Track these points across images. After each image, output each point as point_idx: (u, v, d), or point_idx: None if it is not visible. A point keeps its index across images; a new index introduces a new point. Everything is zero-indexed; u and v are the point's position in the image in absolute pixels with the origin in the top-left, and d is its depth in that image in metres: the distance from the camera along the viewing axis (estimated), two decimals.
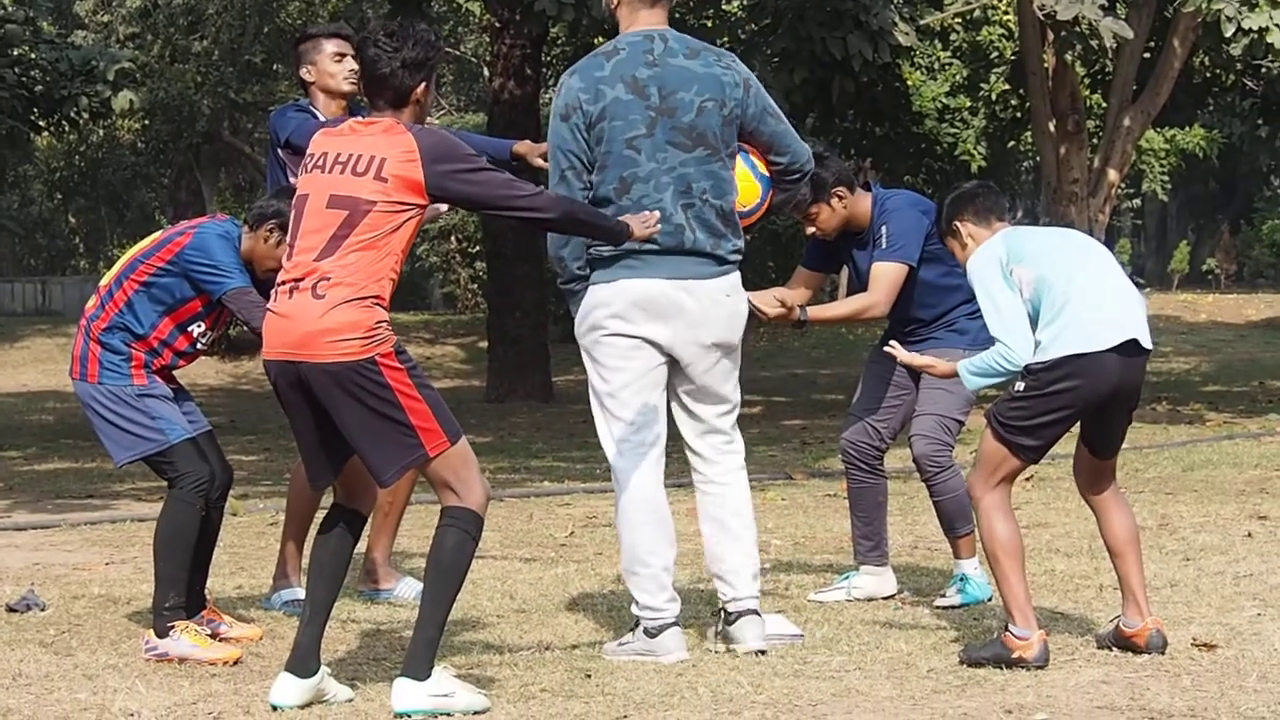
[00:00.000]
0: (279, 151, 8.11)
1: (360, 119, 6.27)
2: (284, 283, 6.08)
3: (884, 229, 7.98)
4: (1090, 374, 6.56)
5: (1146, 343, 6.69)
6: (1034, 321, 6.63)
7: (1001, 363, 6.63)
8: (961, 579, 8.00)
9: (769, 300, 7.73)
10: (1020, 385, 6.63)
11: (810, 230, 8.09)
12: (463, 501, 6.05)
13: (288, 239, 6.19)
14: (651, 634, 6.88)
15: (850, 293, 8.35)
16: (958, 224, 6.97)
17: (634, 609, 6.96)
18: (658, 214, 6.68)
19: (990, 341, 7.31)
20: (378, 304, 5.99)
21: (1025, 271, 6.65)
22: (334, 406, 5.99)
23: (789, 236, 37.87)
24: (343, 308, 5.93)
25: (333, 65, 8.17)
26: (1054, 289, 6.60)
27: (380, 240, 5.99)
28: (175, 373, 7.39)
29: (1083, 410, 6.65)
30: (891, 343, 7.36)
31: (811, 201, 7.97)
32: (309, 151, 6.23)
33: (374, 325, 5.95)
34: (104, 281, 7.35)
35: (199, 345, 7.36)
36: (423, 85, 6.19)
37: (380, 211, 5.99)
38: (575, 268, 7.05)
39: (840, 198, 8.00)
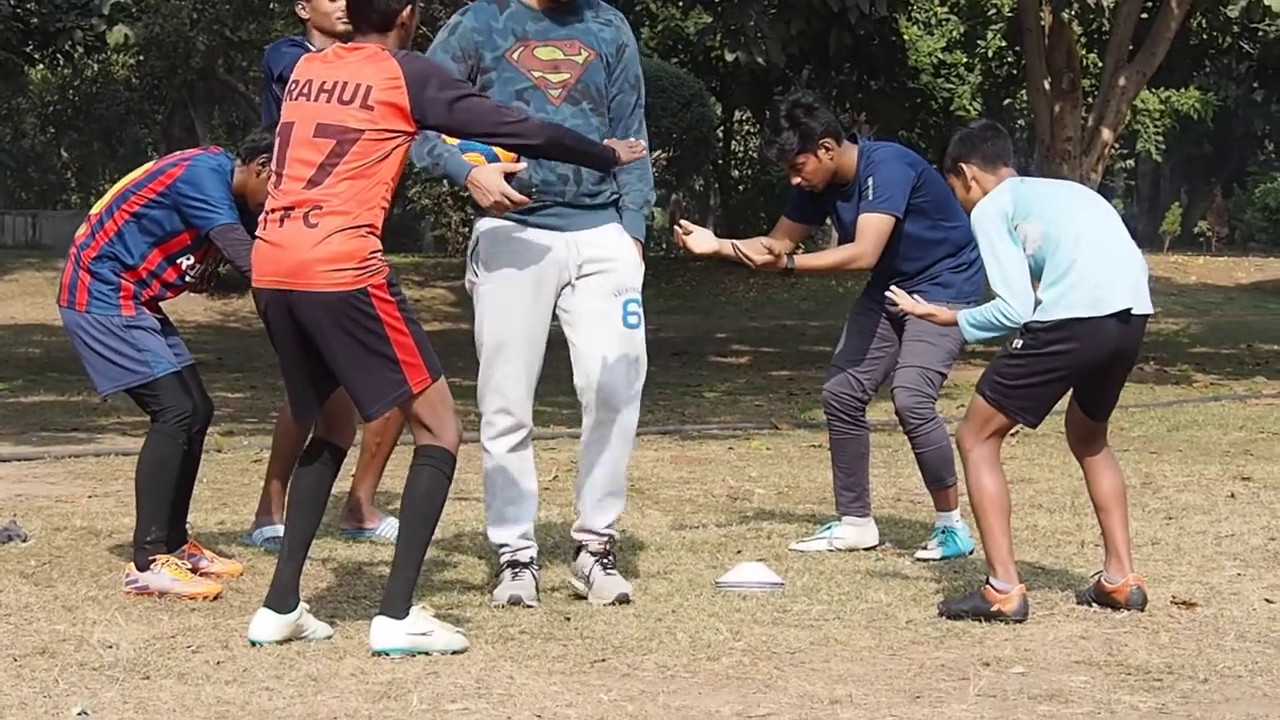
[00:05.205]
0: (274, 87, 8.06)
1: (344, 44, 6.22)
2: (273, 210, 6.03)
3: (870, 180, 7.93)
4: (1089, 338, 6.53)
5: (1147, 308, 6.67)
6: (1036, 276, 6.61)
7: (1000, 318, 6.58)
8: (943, 531, 8.00)
9: (757, 248, 7.73)
10: (1018, 343, 6.60)
11: (796, 180, 8.04)
12: (438, 440, 6.05)
13: (273, 166, 6.15)
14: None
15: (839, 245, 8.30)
16: (963, 165, 6.88)
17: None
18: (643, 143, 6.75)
19: (972, 295, 7.27)
20: (371, 233, 5.95)
21: (1031, 227, 6.58)
22: (322, 337, 5.96)
23: (781, 188, 37.85)
24: (337, 237, 5.90)
25: (328, 4, 8.09)
26: (1061, 248, 6.55)
27: (369, 168, 5.95)
28: (163, 304, 7.37)
29: (1077, 373, 6.63)
30: (894, 289, 7.21)
31: (799, 152, 7.92)
32: (293, 79, 6.18)
33: (368, 255, 5.92)
34: (95, 210, 7.30)
35: (187, 278, 7.33)
36: (409, 8, 6.14)
37: (368, 140, 5.95)
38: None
39: (827, 149, 7.94)
